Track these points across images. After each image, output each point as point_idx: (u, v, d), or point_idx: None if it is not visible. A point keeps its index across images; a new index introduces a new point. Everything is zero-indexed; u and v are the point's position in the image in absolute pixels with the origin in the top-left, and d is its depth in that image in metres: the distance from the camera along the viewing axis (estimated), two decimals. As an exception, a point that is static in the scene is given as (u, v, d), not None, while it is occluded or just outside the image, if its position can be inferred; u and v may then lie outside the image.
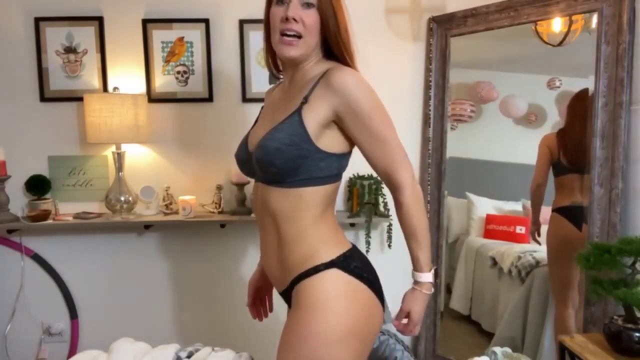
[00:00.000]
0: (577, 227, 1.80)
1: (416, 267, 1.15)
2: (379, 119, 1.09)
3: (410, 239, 1.13)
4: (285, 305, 1.23)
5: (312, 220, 1.11)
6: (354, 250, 1.17)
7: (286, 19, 1.08)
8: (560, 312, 1.91)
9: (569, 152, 1.85)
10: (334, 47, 1.14)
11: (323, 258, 1.10)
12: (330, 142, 1.10)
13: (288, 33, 1.09)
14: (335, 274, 1.08)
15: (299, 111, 1.07)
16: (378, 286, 1.16)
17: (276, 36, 1.11)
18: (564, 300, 1.90)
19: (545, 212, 1.99)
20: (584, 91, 1.80)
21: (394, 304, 2.31)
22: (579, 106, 1.79)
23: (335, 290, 1.07)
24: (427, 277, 1.14)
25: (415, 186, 1.11)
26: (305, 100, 1.08)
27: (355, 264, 1.12)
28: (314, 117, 1.07)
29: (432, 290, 1.17)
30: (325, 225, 1.14)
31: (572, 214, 1.83)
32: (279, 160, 1.06)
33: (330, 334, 1.04)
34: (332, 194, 1.16)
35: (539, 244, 2.07)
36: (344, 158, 1.15)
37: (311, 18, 1.09)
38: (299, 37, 1.10)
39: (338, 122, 1.10)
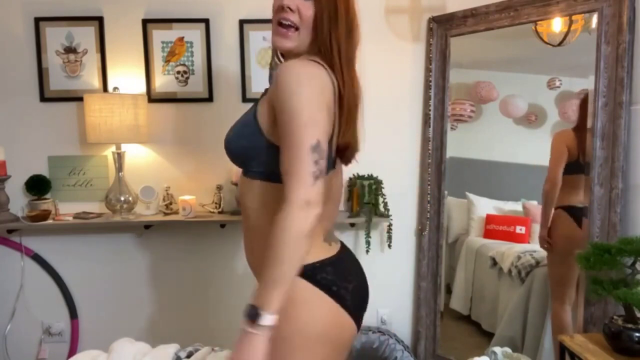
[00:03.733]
0: (579, 225, 1.81)
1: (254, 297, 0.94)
2: (294, 117, 0.93)
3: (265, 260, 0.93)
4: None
5: None
6: (330, 261, 1.08)
7: (282, 8, 1.05)
8: (556, 308, 1.91)
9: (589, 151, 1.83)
10: (322, 43, 1.05)
11: None
12: None
13: (284, 22, 1.06)
14: (299, 282, 1.02)
15: (256, 104, 1.10)
16: (352, 300, 1.08)
17: (273, 26, 1.10)
18: (561, 296, 1.90)
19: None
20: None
21: (394, 304, 2.32)
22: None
23: (299, 298, 1.02)
24: (265, 318, 0.92)
25: (297, 214, 0.90)
26: (265, 92, 1.11)
27: (324, 276, 1.05)
28: (264, 111, 1.05)
29: (260, 333, 0.92)
30: None
31: (576, 212, 1.83)
32: (232, 147, 1.10)
33: (296, 339, 1.02)
34: None
35: (551, 246, 1.96)
36: None
37: (308, 10, 1.05)
38: (296, 28, 1.06)
39: None
